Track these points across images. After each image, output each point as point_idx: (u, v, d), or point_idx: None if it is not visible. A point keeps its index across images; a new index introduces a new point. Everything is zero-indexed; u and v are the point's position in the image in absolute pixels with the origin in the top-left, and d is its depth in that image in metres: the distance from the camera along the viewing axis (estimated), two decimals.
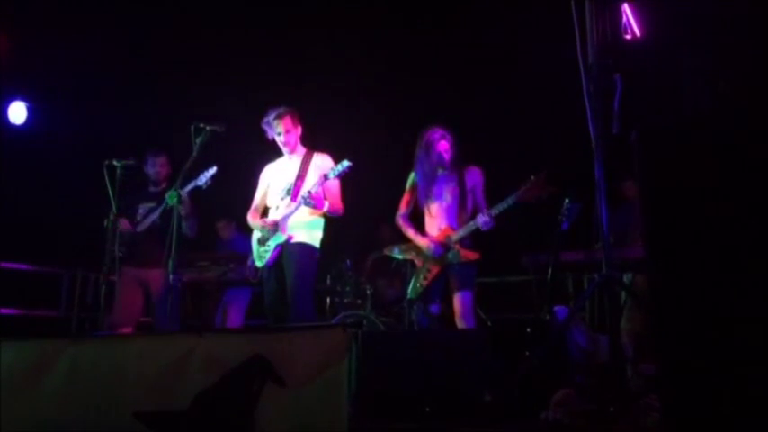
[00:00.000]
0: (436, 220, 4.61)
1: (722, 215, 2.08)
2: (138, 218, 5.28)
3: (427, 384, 3.34)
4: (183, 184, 4.71)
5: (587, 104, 3.36)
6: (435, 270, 4.53)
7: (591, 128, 3.36)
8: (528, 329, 3.96)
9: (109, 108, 7.61)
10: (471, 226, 4.43)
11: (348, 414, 2.70)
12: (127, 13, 7.20)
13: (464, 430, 2.94)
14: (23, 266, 7.19)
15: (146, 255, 5.13)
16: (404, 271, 5.75)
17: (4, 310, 6.88)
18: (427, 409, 3.26)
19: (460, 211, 4.55)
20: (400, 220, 4.78)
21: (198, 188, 4.85)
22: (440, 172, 4.65)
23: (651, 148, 2.22)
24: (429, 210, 4.66)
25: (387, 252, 4.98)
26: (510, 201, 4.31)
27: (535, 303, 4.43)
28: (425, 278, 4.56)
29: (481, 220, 4.36)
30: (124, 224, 5.23)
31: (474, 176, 4.61)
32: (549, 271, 4.16)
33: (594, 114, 3.34)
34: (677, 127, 2.27)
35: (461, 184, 4.58)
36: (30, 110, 7.42)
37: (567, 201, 4.27)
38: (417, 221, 4.79)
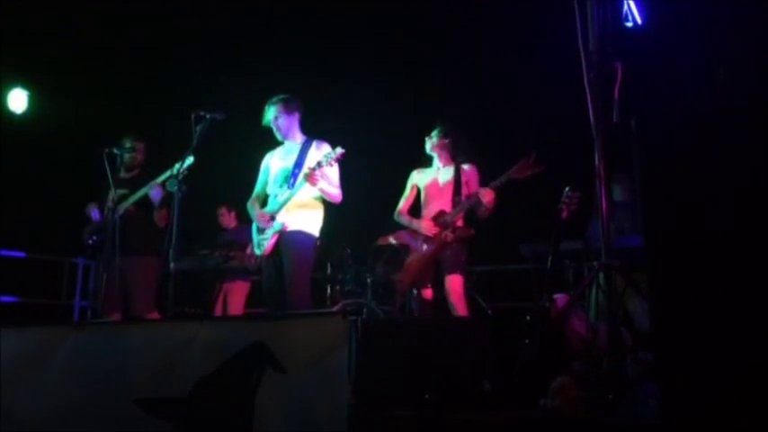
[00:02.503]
0: (432, 207, 4.83)
1: (722, 203, 2.08)
2: (109, 204, 5.16)
3: (426, 372, 3.35)
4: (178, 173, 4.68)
5: (588, 92, 3.36)
6: (429, 251, 4.69)
7: (591, 116, 3.36)
8: (527, 318, 3.97)
9: (108, 96, 7.61)
10: (466, 204, 4.64)
11: (347, 401, 2.71)
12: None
13: (463, 417, 2.95)
14: (25, 254, 7.20)
15: (121, 242, 5.01)
16: (403, 259, 5.77)
17: (6, 298, 6.90)
18: (427, 397, 3.27)
19: (454, 198, 4.76)
20: (398, 214, 5.02)
21: (173, 177, 4.63)
22: (439, 166, 4.91)
23: (651, 136, 2.22)
24: (426, 200, 4.90)
25: (381, 242, 5.15)
26: (503, 179, 4.51)
27: (535, 292, 4.44)
28: (418, 260, 4.74)
29: (483, 190, 4.55)
30: (95, 212, 5.24)
31: (469, 173, 4.85)
32: (549, 259, 4.16)
33: (595, 102, 3.33)
34: (677, 115, 2.27)
35: (457, 176, 4.81)
36: (30, 97, 7.40)
37: (567, 189, 4.27)
38: (415, 215, 5.00)
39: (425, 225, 4.76)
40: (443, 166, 4.92)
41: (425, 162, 5.10)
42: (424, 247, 4.73)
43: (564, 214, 4.20)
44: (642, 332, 3.86)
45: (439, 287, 4.65)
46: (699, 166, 2.15)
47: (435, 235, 4.67)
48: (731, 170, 2.09)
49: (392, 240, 5.01)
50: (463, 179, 4.79)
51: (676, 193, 2.17)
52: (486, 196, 4.53)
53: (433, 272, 4.68)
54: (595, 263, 3.35)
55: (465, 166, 4.85)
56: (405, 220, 4.95)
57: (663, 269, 2.17)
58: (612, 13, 3.41)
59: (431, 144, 4.94)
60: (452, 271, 4.59)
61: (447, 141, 4.90)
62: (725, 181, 2.09)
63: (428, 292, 4.71)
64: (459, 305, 4.49)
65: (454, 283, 4.56)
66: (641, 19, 3.59)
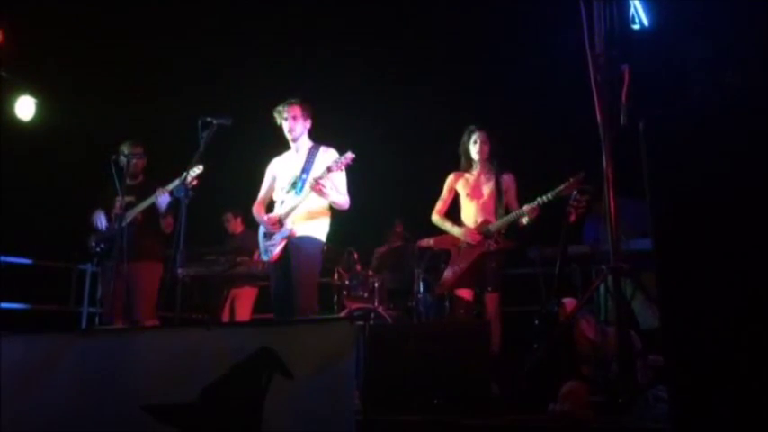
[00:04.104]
0: (474, 216, 4.89)
1: (731, 205, 2.07)
2: (117, 211, 5.17)
3: (435, 377, 3.33)
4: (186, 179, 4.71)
5: (595, 95, 3.34)
6: (470, 258, 4.75)
7: (599, 119, 3.34)
8: (536, 321, 3.96)
9: (116, 103, 7.64)
10: (512, 217, 4.72)
11: (355, 406, 2.71)
12: (132, 7, 7.21)
13: (472, 422, 2.94)
14: (32, 261, 7.22)
15: (127, 249, 5.04)
16: (411, 264, 5.77)
17: (14, 305, 6.92)
18: (435, 402, 3.26)
19: (497, 207, 4.83)
20: (436, 217, 5.05)
21: (181, 184, 4.68)
22: (479, 171, 4.97)
23: (658, 139, 2.21)
24: (467, 207, 4.95)
25: (421, 244, 5.22)
26: (550, 195, 4.56)
27: (543, 295, 4.42)
28: (459, 266, 4.79)
29: (527, 207, 4.62)
30: (101, 220, 5.26)
31: (509, 181, 4.94)
32: (558, 263, 4.14)
33: (602, 105, 3.32)
34: (685, 117, 2.26)
35: (498, 184, 4.88)
36: (38, 105, 7.41)
37: (575, 192, 4.25)
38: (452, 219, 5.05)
39: (469, 233, 4.81)
40: (483, 174, 4.96)
41: (436, 163, 5.18)
42: (466, 254, 4.80)
43: (572, 218, 4.17)
44: (646, 330, 3.85)
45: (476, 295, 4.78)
46: (707, 168, 2.13)
47: (478, 244, 4.75)
48: (740, 171, 2.08)
49: (431, 243, 5.09)
50: (503, 188, 4.86)
51: (685, 196, 2.16)
52: (531, 213, 4.60)
53: (474, 277, 4.76)
54: (604, 266, 3.33)
55: (504, 175, 4.92)
56: (447, 224, 4.98)
57: (671, 272, 2.15)
58: (619, 15, 3.40)
59: (477, 152, 4.93)
60: (494, 289, 4.70)
61: (490, 149, 4.95)
62: (734, 182, 2.08)
63: (467, 293, 4.79)
64: (494, 321, 4.54)
65: (493, 302, 4.69)
66: (648, 21, 3.58)
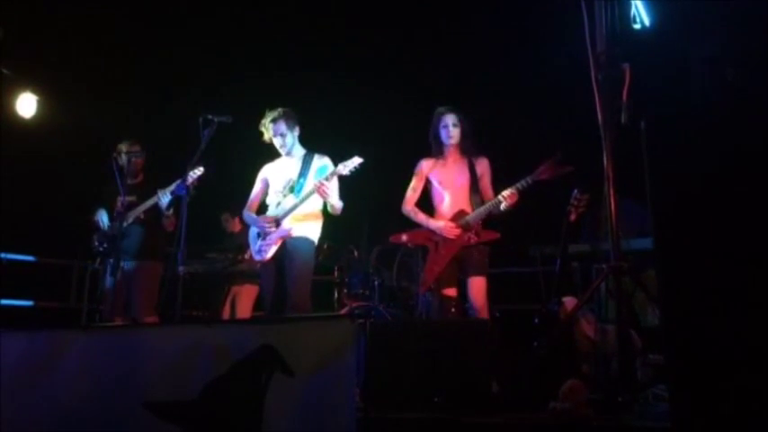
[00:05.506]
0: (449, 205, 4.62)
1: (732, 204, 2.07)
2: (119, 208, 5.16)
3: (435, 375, 3.34)
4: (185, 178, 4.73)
5: (596, 94, 3.34)
6: (450, 253, 4.50)
7: (600, 118, 3.34)
8: (536, 320, 3.96)
9: (117, 101, 7.64)
10: (490, 205, 4.44)
11: (356, 404, 2.71)
12: (133, 5, 7.20)
13: (472, 420, 2.95)
14: (34, 258, 7.23)
15: (129, 248, 5.13)
16: (411, 261, 5.76)
17: (17, 302, 6.93)
18: (435, 400, 3.27)
19: (472, 195, 4.57)
20: (408, 208, 4.73)
21: (182, 182, 4.73)
22: (451, 156, 4.68)
23: (659, 137, 2.21)
24: (440, 196, 4.66)
25: (393, 240, 4.84)
26: (529, 180, 4.33)
27: (543, 294, 4.42)
28: (438, 263, 4.52)
29: (506, 192, 4.36)
30: (104, 219, 5.28)
31: (483, 165, 4.66)
32: (558, 262, 4.15)
33: (603, 104, 3.32)
34: (685, 116, 2.26)
35: (472, 169, 4.62)
36: (39, 102, 7.40)
37: (575, 191, 4.25)
38: (423, 209, 4.77)
39: (447, 227, 4.51)
40: (456, 160, 4.67)
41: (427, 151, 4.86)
42: (444, 249, 4.51)
43: (572, 216, 4.17)
44: (648, 327, 3.85)
45: (461, 286, 4.51)
46: (708, 167, 2.14)
47: (457, 237, 4.48)
48: (741, 170, 2.08)
49: (404, 239, 4.73)
50: (478, 173, 4.61)
51: (686, 194, 2.16)
52: (510, 199, 4.36)
53: (456, 271, 4.51)
54: (604, 265, 3.33)
55: (477, 160, 4.65)
56: (420, 217, 4.66)
57: (672, 270, 2.16)
58: (620, 14, 3.40)
59: (448, 136, 4.63)
60: (477, 273, 4.43)
61: (462, 133, 4.66)
62: (735, 181, 2.08)
63: (451, 291, 4.51)
64: (481, 307, 4.37)
65: (479, 286, 4.42)
66: (649, 20, 3.59)
